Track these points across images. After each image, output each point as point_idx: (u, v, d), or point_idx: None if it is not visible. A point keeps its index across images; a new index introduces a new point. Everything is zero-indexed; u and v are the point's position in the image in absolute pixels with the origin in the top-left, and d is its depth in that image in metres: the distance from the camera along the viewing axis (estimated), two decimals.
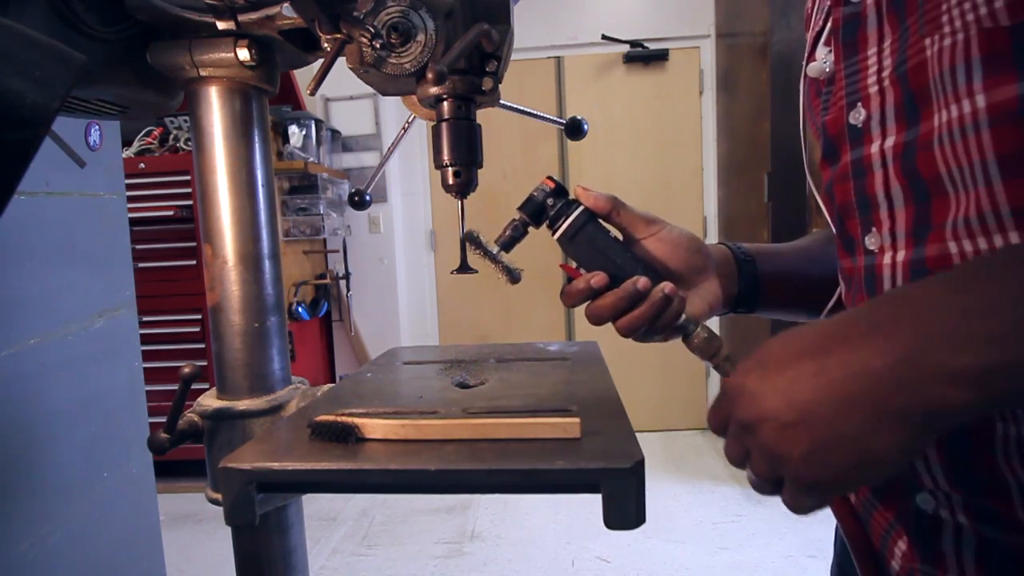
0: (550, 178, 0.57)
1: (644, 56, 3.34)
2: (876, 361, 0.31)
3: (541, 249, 3.89)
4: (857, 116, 0.45)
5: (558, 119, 0.77)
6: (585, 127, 0.76)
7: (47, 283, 1.16)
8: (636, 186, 3.42)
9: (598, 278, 0.53)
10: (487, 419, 0.50)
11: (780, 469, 0.35)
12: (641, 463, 0.42)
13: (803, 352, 0.34)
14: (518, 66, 3.33)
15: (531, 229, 0.57)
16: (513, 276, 0.58)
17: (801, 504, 0.36)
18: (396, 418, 0.50)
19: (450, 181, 0.58)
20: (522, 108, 0.78)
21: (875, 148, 0.44)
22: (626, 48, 3.34)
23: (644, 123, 3.43)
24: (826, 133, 0.48)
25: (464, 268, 0.62)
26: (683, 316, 0.53)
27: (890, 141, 0.42)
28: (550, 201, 0.56)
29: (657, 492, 2.70)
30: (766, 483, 0.37)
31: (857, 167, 0.45)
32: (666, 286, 0.52)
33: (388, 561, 2.23)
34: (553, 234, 0.56)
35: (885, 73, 0.43)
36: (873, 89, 0.44)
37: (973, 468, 0.39)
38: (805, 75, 0.52)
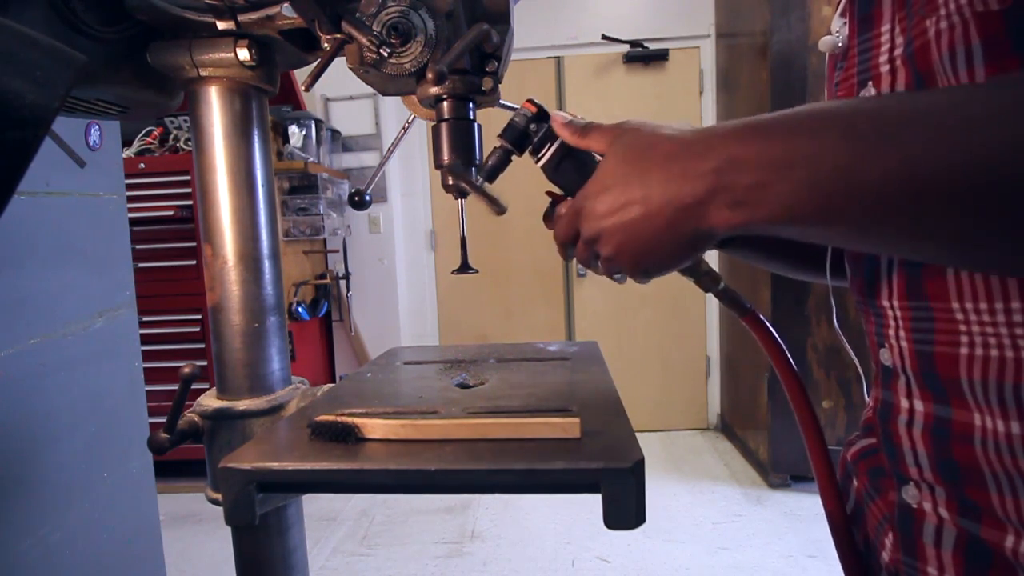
0: (530, 101, 0.52)
1: (644, 56, 3.34)
2: (676, 189, 0.40)
3: (542, 249, 3.85)
4: (867, 96, 0.43)
5: None
6: None
7: (47, 283, 1.16)
8: None
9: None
10: (487, 419, 0.50)
11: (596, 248, 0.46)
12: (641, 463, 0.42)
13: (635, 173, 0.43)
14: (518, 66, 3.33)
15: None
16: (498, 207, 0.54)
17: (611, 275, 0.49)
18: (396, 418, 0.50)
19: (450, 181, 0.58)
20: None
21: None
22: (626, 48, 3.34)
23: None
24: None
25: (464, 268, 0.62)
26: None
27: None
28: (532, 127, 0.51)
29: (657, 492, 2.70)
30: (588, 260, 0.49)
31: None
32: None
33: (388, 561, 2.23)
34: (537, 162, 0.52)
35: (897, 52, 0.41)
36: (884, 68, 0.42)
37: (955, 458, 0.39)
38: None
